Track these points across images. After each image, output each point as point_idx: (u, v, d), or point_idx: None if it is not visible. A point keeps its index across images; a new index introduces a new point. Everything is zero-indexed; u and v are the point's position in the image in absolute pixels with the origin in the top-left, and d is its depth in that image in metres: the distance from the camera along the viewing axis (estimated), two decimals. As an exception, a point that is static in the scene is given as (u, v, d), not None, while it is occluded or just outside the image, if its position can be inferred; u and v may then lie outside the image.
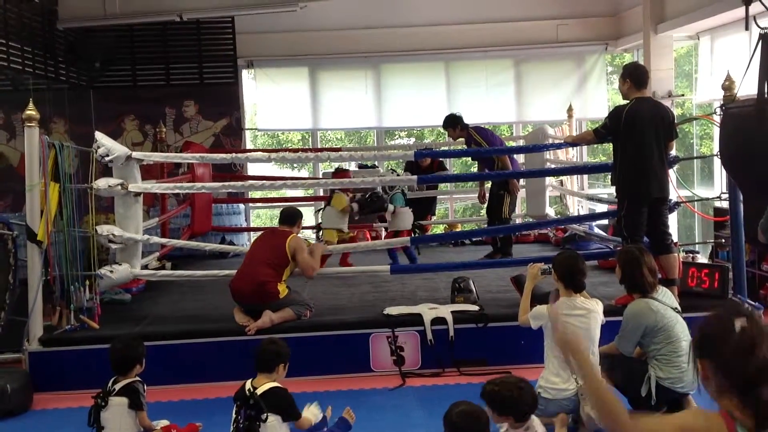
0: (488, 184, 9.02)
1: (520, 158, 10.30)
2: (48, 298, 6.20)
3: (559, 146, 8.92)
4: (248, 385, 4.19)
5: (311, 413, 4.42)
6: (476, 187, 9.78)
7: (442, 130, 9.73)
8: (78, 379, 5.77)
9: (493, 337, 6.00)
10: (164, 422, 4.75)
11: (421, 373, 5.95)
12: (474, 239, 10.50)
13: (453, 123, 8.76)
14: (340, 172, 8.99)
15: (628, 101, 6.10)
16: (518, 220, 11.41)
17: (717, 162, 9.49)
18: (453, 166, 11.14)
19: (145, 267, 7.21)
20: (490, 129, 9.10)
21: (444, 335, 6.02)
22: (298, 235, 6.58)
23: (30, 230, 6.01)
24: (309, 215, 12.92)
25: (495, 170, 8.38)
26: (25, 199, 6.09)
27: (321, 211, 8.63)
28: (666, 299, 4.74)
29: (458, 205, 12.64)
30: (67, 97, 11.00)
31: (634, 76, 6.14)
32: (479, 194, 9.26)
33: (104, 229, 6.40)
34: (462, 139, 8.86)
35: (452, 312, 6.15)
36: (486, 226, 9.11)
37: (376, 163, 11.47)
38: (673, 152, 6.44)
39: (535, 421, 3.92)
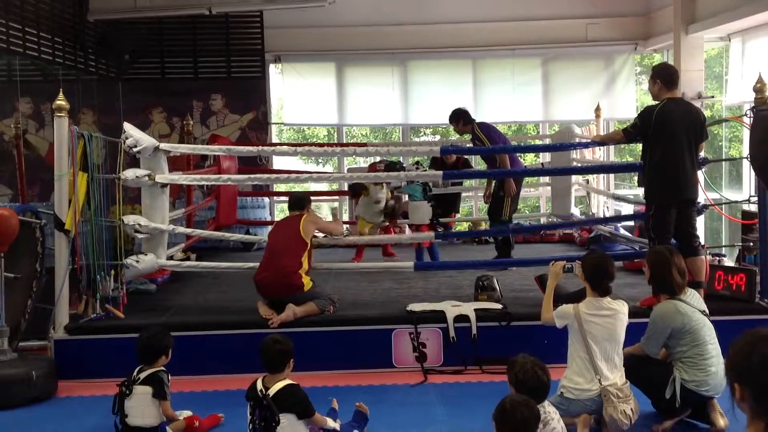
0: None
1: (546, 157, 10.25)
2: (74, 286, 6.23)
3: (586, 145, 8.84)
4: (259, 384, 4.17)
5: (330, 420, 4.42)
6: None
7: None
8: (102, 367, 5.83)
9: (516, 335, 5.97)
10: (187, 412, 4.80)
11: (443, 371, 5.93)
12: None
13: (455, 117, 8.67)
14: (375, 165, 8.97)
15: (658, 102, 6.04)
16: (543, 220, 11.37)
17: (746, 165, 9.38)
18: (478, 164, 11.08)
19: (170, 258, 7.26)
20: (513, 127, 9.02)
21: (467, 333, 6.00)
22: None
23: (58, 219, 6.07)
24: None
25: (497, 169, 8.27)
26: (53, 188, 6.15)
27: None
28: (694, 301, 4.69)
29: (482, 203, 12.58)
30: (96, 88, 11.10)
31: (665, 77, 6.07)
32: (485, 194, 9.02)
33: (131, 219, 6.44)
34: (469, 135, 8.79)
35: (475, 310, 6.13)
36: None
37: (401, 158, 11.45)
38: (702, 154, 6.36)
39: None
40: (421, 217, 8.35)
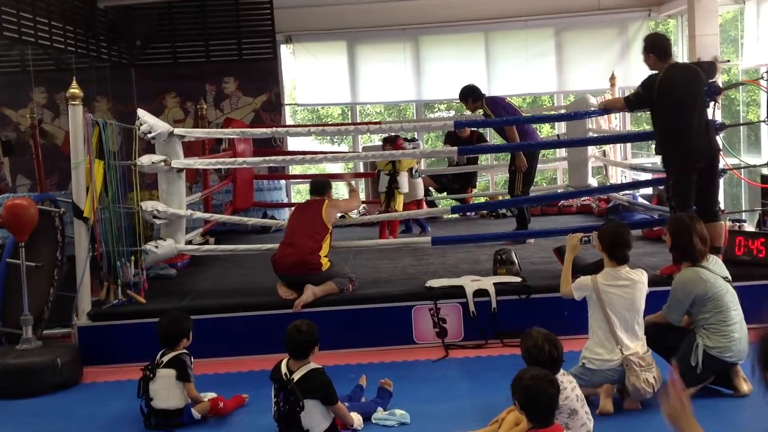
0: None
1: (561, 128, 10.18)
2: (95, 273, 6.28)
3: (594, 113, 8.77)
4: (284, 368, 4.18)
5: (355, 415, 4.42)
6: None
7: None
8: (126, 352, 5.88)
9: (536, 308, 5.97)
10: (211, 394, 4.84)
11: (464, 345, 5.95)
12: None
13: (464, 96, 8.55)
14: (392, 140, 8.87)
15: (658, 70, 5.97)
16: (560, 191, 11.30)
17: (764, 128, 9.29)
18: (493, 137, 11.02)
19: (189, 242, 7.29)
20: (528, 99, 8.94)
21: (486, 307, 6.00)
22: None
23: (76, 207, 6.11)
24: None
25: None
26: (71, 176, 6.18)
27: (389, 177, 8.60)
28: (716, 268, 4.67)
29: (499, 177, 12.52)
30: (109, 76, 11.11)
31: (657, 49, 5.99)
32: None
33: (149, 205, 6.47)
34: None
35: (495, 284, 6.12)
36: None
37: (415, 135, 11.43)
38: (719, 118, 6.28)
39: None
40: (418, 193, 8.91)
